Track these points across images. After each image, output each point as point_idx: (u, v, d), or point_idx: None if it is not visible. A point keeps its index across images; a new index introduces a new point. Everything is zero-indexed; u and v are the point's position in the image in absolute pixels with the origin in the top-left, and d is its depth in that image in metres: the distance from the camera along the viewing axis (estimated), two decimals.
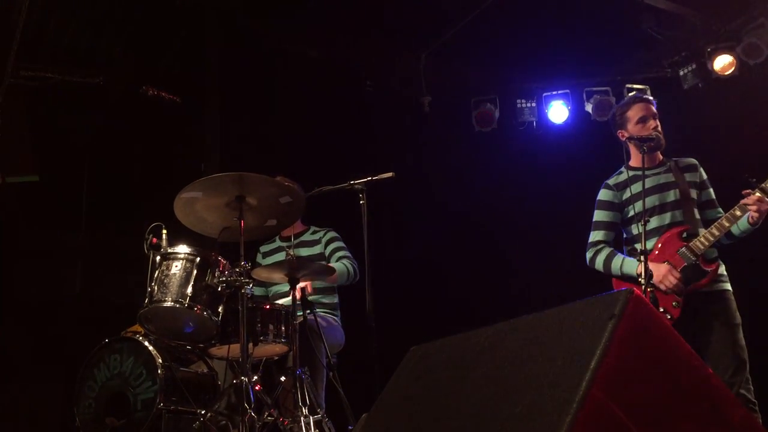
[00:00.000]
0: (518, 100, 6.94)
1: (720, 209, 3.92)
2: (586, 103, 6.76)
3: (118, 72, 6.17)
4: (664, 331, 1.91)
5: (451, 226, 6.94)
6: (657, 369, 1.83)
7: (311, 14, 6.18)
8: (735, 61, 6.14)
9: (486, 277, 6.86)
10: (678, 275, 3.70)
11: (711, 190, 3.98)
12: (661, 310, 3.73)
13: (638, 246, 3.74)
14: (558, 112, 6.83)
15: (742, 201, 3.65)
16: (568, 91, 6.83)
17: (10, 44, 4.65)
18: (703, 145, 4.13)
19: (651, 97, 4.09)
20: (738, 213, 3.66)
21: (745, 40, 6.04)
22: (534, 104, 6.94)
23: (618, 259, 3.91)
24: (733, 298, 3.80)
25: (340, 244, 4.79)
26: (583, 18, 6.15)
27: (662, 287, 3.72)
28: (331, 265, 4.44)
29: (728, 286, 3.83)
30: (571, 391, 1.66)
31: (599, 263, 3.96)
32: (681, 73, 6.49)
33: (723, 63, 6.18)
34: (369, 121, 6.75)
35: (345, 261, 4.61)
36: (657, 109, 4.01)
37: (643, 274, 3.53)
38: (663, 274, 3.72)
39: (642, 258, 3.57)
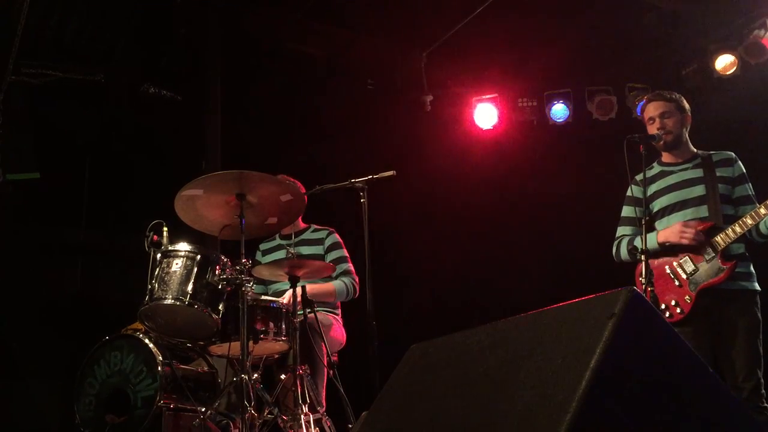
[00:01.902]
0: (519, 99, 6.94)
1: (757, 205, 3.71)
2: (587, 102, 6.75)
3: (119, 70, 6.17)
4: (665, 330, 1.91)
5: (452, 224, 6.94)
6: (657, 368, 1.83)
7: (313, 13, 6.18)
8: (737, 61, 6.13)
9: (486, 276, 6.86)
10: (692, 227, 3.67)
11: (748, 185, 3.85)
12: (662, 307, 3.72)
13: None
14: (559, 111, 6.83)
15: None
16: (569, 90, 6.83)
17: (12, 41, 4.66)
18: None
19: (663, 95, 3.99)
20: (763, 211, 3.55)
21: (747, 40, 6.03)
22: (535, 103, 6.94)
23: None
24: (756, 299, 3.70)
25: (342, 253, 4.64)
26: (584, 17, 6.15)
27: (684, 242, 3.70)
28: (330, 283, 4.42)
29: (752, 286, 3.72)
30: (571, 390, 1.66)
31: (623, 253, 4.00)
32: (683, 72, 6.48)
33: (725, 63, 6.17)
34: (370, 120, 6.75)
35: (344, 278, 4.52)
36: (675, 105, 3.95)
37: (644, 271, 3.54)
38: (679, 230, 3.72)
39: (643, 258, 3.57)
